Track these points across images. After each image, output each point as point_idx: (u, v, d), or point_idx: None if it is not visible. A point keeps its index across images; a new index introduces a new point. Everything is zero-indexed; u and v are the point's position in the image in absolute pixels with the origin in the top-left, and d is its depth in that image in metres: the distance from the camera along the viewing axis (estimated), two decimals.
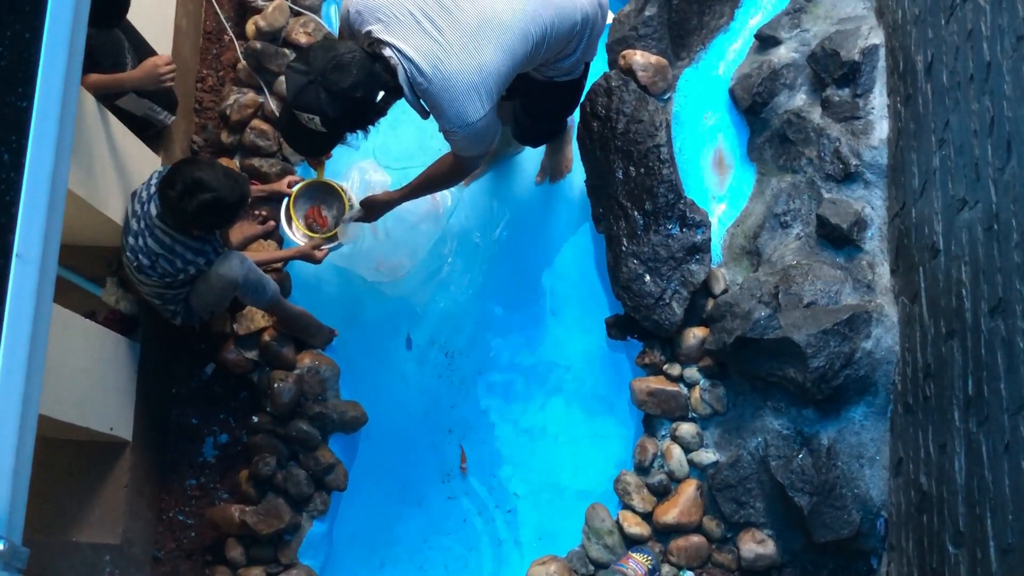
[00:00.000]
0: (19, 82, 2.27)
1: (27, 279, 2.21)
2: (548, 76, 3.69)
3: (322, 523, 4.26)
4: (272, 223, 4.46)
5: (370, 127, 3.40)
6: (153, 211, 3.69)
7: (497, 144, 4.54)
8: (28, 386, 2.18)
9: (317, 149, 3.44)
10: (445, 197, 4.51)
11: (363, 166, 4.53)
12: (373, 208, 4.06)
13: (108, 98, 3.87)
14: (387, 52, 3.27)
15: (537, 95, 3.65)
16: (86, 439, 3.89)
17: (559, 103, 4.03)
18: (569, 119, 4.43)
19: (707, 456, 4.12)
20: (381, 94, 3.31)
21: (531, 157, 4.66)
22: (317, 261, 4.28)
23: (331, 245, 4.32)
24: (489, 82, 3.32)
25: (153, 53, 4.08)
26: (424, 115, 3.49)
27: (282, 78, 4.56)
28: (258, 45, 4.57)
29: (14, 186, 2.22)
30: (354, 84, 3.20)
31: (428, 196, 4.22)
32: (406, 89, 3.32)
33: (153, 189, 3.71)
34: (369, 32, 3.33)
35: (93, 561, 3.89)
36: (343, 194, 4.36)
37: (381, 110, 3.35)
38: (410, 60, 3.27)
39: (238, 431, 4.37)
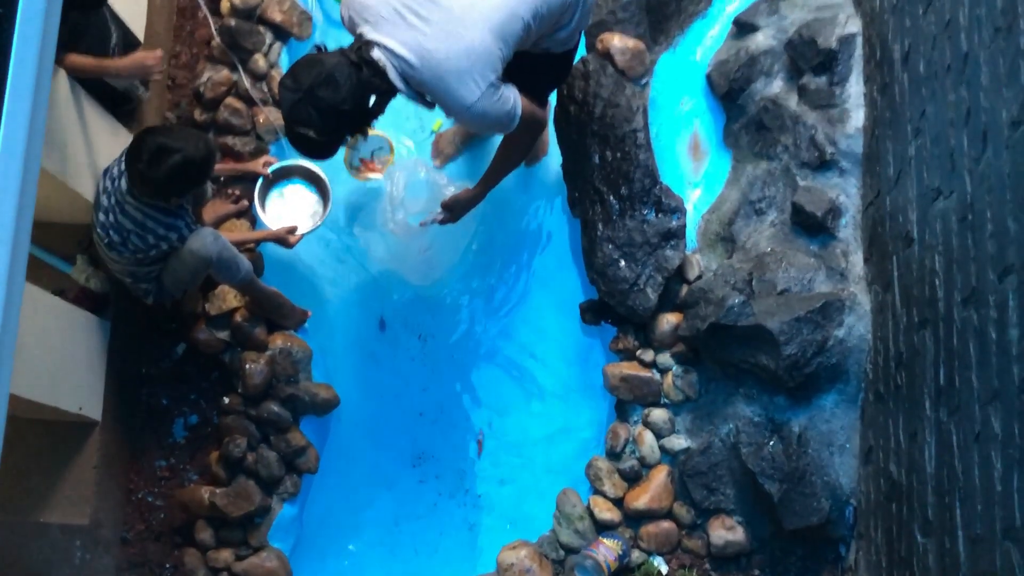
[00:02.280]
0: None
1: None
2: (544, 48, 3.68)
3: (293, 506, 4.26)
4: (245, 202, 4.44)
5: (367, 128, 3.44)
6: (124, 186, 3.67)
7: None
8: None
9: (321, 154, 3.47)
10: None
11: (409, 165, 4.51)
12: (456, 208, 4.11)
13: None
14: (376, 53, 3.28)
15: (529, 69, 3.64)
16: (55, 419, 3.87)
17: (552, 75, 4.01)
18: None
19: (678, 442, 4.13)
20: (373, 98, 3.32)
21: None
22: (290, 245, 4.28)
23: (304, 230, 4.32)
24: (480, 64, 3.32)
25: (131, 34, 4.06)
26: (428, 106, 3.51)
27: (256, 56, 4.57)
28: (232, 22, 4.54)
29: None
30: (341, 98, 3.24)
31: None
32: (401, 85, 3.34)
33: (124, 164, 3.68)
34: (360, 35, 3.36)
35: (63, 544, 3.87)
36: (323, 185, 4.41)
37: (375, 113, 3.39)
38: (398, 56, 3.28)
39: (209, 412, 4.35)
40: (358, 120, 3.36)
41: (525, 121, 3.57)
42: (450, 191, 4.25)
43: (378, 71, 3.29)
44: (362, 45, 3.30)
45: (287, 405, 4.24)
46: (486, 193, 4.11)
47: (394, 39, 3.29)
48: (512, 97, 3.48)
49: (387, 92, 3.37)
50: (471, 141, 4.66)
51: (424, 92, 3.40)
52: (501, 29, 3.36)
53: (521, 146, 3.86)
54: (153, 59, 3.90)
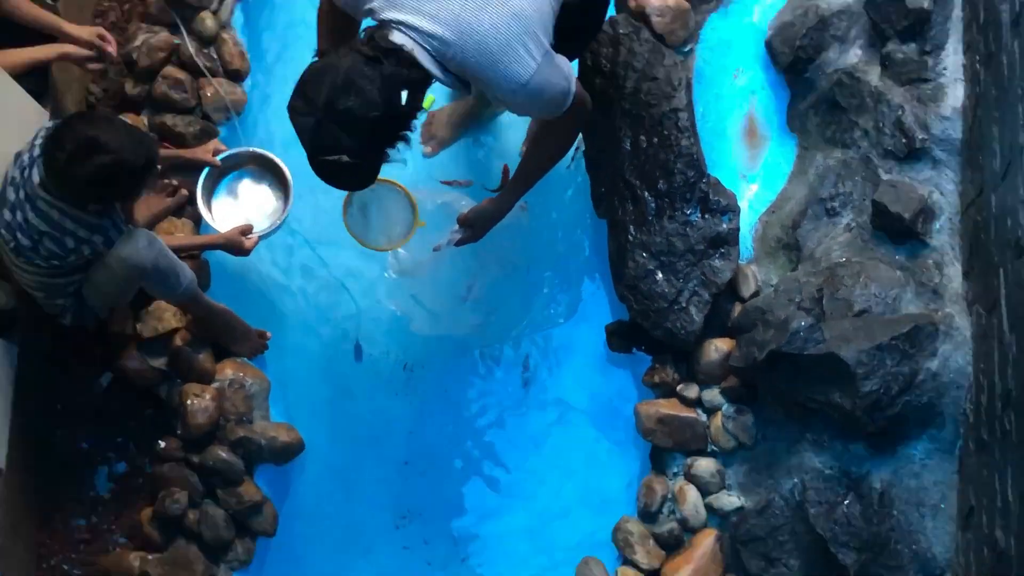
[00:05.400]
0: None
1: None
2: None
3: None
4: (185, 193, 4.45)
5: (408, 134, 3.36)
6: (36, 178, 3.66)
7: (473, 103, 4.51)
8: None
9: (363, 180, 3.43)
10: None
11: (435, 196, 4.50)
12: (478, 222, 4.07)
13: None
14: (398, 38, 3.21)
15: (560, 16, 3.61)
16: None
17: (586, 24, 3.97)
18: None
19: (729, 500, 4.13)
20: (405, 93, 3.28)
21: (517, 119, 4.63)
22: (245, 251, 4.28)
23: (261, 232, 4.34)
24: (531, 26, 3.28)
25: None
26: (467, 91, 3.50)
27: (203, 15, 4.58)
28: None
29: None
30: (367, 103, 3.16)
31: None
32: (436, 71, 3.30)
33: (37, 151, 3.67)
34: (371, 11, 3.30)
35: None
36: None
37: (411, 112, 3.31)
38: (429, 35, 3.23)
39: (140, 459, 4.35)
40: (395, 125, 3.29)
41: (578, 97, 3.54)
42: (463, 205, 4.23)
43: (405, 59, 3.22)
44: (375, 32, 3.24)
45: (238, 451, 4.23)
46: (516, 200, 4.06)
47: (420, 14, 3.23)
48: (565, 64, 3.46)
49: (419, 82, 3.30)
50: (473, 122, 4.67)
51: (465, 74, 3.37)
52: None
53: (568, 133, 3.82)
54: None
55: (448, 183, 4.30)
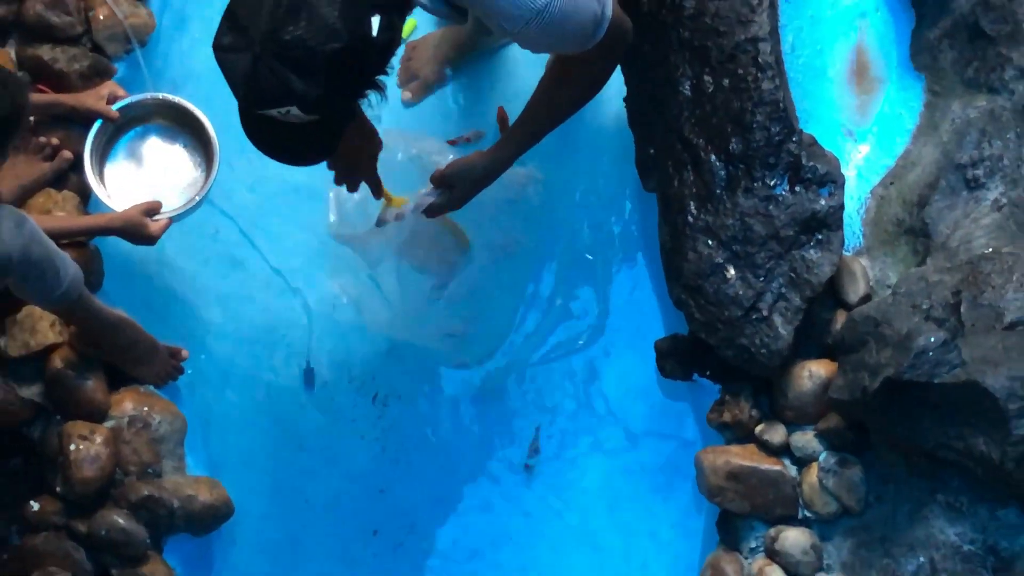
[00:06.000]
0: None
1: None
2: None
3: None
4: (68, 155, 4.44)
5: (382, 78, 3.35)
6: None
7: (470, 30, 4.50)
8: None
9: (325, 148, 3.42)
10: None
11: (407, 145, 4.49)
12: (459, 183, 4.03)
13: None
14: None
15: None
16: None
17: None
18: None
19: None
20: (377, 19, 3.26)
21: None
22: (150, 238, 4.29)
23: (173, 211, 4.35)
24: None
25: None
26: (462, 20, 3.60)
27: None
28: None
29: None
30: (324, 31, 3.12)
31: None
32: None
33: None
34: None
35: None
36: None
37: (387, 46, 3.32)
38: None
39: (4, 527, 4.34)
40: (364, 64, 3.27)
41: (613, 24, 3.54)
42: (441, 160, 4.21)
43: None
44: None
45: (141, 515, 4.23)
46: (516, 156, 4.06)
47: None
48: None
49: (396, 5, 3.32)
50: (468, 55, 4.67)
51: None
52: None
53: (597, 73, 3.84)
54: None
55: (454, 142, 4.29)
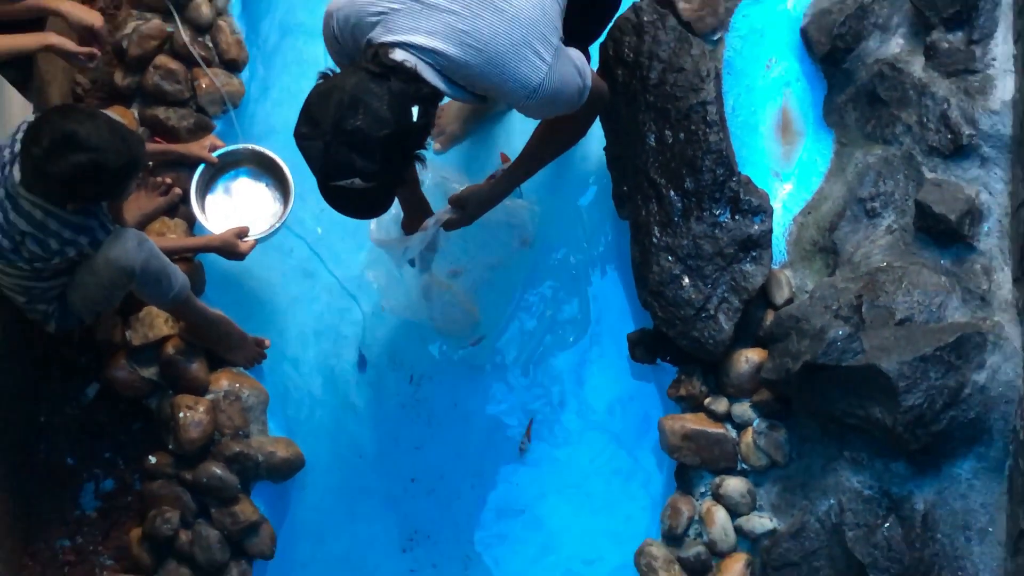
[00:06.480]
0: None
1: None
2: None
3: None
4: (178, 191, 4.45)
5: (423, 152, 3.42)
6: (17, 176, 3.65)
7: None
8: None
9: (382, 205, 3.47)
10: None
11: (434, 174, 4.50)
12: (470, 204, 4.05)
13: None
14: (398, 55, 3.28)
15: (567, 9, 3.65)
16: None
17: (596, 12, 4.02)
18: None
19: (761, 522, 4.12)
20: (415, 109, 3.31)
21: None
22: (241, 255, 4.29)
23: (258, 234, 4.35)
24: (536, 27, 3.34)
25: None
26: (481, 101, 3.58)
27: (198, 1, 4.57)
28: None
29: None
30: (377, 121, 3.21)
31: None
32: (442, 84, 3.37)
33: (19, 147, 3.66)
34: (369, 40, 3.36)
35: None
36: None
37: (424, 126, 3.38)
38: (430, 51, 3.31)
39: (128, 475, 4.35)
40: (408, 142, 3.34)
41: (594, 90, 3.59)
42: (458, 187, 4.23)
43: (409, 75, 3.28)
44: (377, 50, 3.29)
45: (233, 467, 4.23)
46: (514, 187, 4.10)
47: (418, 33, 3.31)
48: (579, 58, 3.51)
49: (430, 97, 3.37)
50: (485, 115, 4.66)
51: (474, 86, 3.43)
52: None
53: (580, 123, 3.86)
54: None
55: (426, 228, 4.30)
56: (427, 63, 3.31)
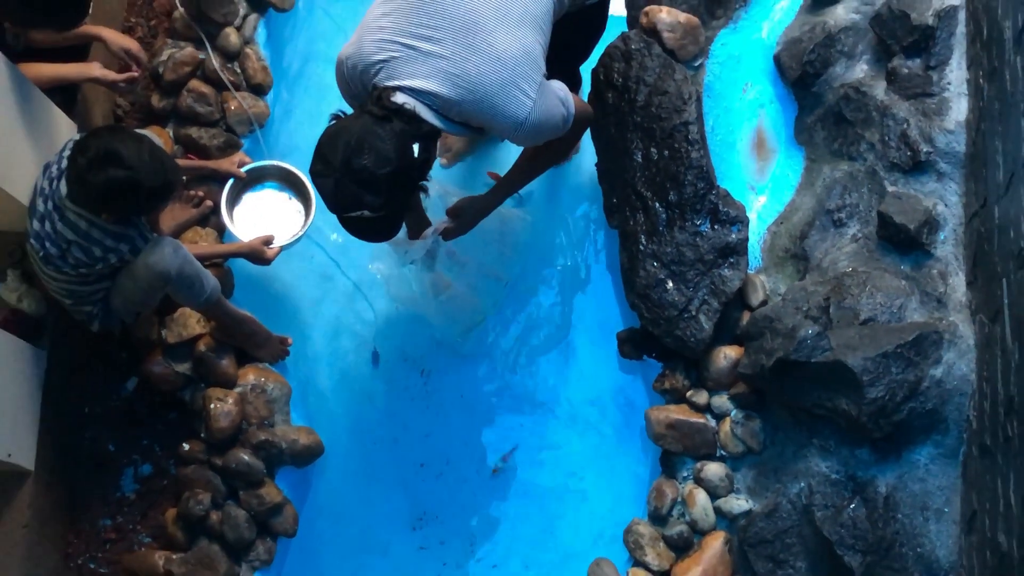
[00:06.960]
0: None
1: None
2: (578, 3, 3.73)
3: (266, 575, 4.25)
4: (210, 203, 4.47)
5: (426, 183, 3.49)
6: (63, 189, 3.66)
7: None
8: None
9: (391, 231, 3.55)
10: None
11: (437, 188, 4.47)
12: (464, 215, 4.07)
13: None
14: (399, 99, 3.33)
15: (556, 32, 3.67)
16: None
17: (585, 35, 4.05)
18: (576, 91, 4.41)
19: (738, 504, 4.11)
20: (416, 146, 3.35)
21: None
22: (266, 260, 4.30)
23: (283, 242, 4.36)
24: (522, 67, 3.38)
25: None
26: (479, 134, 3.63)
27: (227, 30, 4.58)
28: None
29: None
30: (381, 159, 3.27)
31: None
32: (439, 122, 3.41)
33: (65, 163, 3.67)
34: (374, 84, 3.41)
35: None
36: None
37: (425, 161, 3.43)
38: (427, 93, 3.35)
39: (164, 461, 4.35)
40: (411, 177, 3.40)
41: (576, 118, 3.63)
42: (456, 199, 4.23)
43: (409, 116, 3.33)
44: (380, 94, 3.35)
45: (260, 453, 4.22)
46: (504, 198, 4.12)
47: (415, 78, 3.35)
48: (562, 90, 3.55)
49: (429, 135, 3.42)
50: (488, 135, 4.65)
51: (469, 122, 3.48)
52: (526, 16, 3.42)
53: (561, 146, 3.87)
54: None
55: (425, 236, 4.31)
56: (425, 104, 3.36)
